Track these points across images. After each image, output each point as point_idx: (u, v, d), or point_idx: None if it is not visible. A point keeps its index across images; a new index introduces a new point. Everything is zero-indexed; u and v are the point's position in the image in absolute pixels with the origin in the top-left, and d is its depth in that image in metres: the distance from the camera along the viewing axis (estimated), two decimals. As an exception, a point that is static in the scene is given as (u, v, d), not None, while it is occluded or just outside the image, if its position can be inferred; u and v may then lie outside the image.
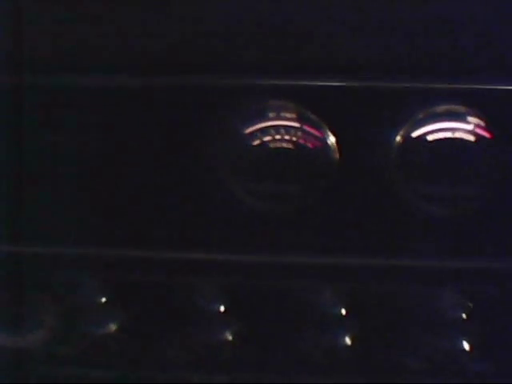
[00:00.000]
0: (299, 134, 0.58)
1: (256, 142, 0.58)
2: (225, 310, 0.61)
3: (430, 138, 0.57)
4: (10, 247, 0.63)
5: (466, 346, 0.60)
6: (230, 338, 0.62)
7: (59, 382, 0.64)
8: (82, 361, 0.63)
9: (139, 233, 0.63)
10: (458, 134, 0.57)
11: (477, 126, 0.57)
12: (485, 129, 0.57)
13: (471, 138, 0.57)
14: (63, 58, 0.60)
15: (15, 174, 0.62)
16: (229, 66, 0.59)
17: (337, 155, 0.58)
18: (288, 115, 0.58)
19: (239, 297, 0.62)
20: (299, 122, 0.58)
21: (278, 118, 0.58)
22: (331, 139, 0.58)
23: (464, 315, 0.58)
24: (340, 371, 0.63)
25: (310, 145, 0.58)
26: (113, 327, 0.62)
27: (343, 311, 0.61)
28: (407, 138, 0.58)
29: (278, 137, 0.58)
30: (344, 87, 0.58)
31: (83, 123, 0.61)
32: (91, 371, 0.63)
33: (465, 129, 0.57)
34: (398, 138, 0.58)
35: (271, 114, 0.58)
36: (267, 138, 0.58)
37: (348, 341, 0.62)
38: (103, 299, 0.62)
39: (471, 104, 0.57)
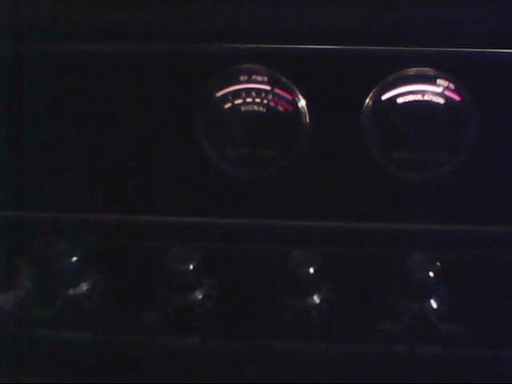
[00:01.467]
0: (270, 97, 0.58)
1: (228, 105, 0.59)
2: (199, 273, 0.62)
3: (399, 100, 0.58)
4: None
5: (436, 307, 0.61)
6: (203, 300, 0.63)
7: (37, 344, 0.65)
8: (58, 323, 0.63)
9: (116, 197, 0.64)
10: (427, 97, 0.57)
11: (446, 88, 0.57)
12: (454, 91, 0.57)
13: (441, 100, 0.57)
14: (63, 25, 0.61)
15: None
16: (201, 30, 0.60)
17: (307, 118, 0.59)
18: (259, 78, 0.59)
19: (213, 260, 0.63)
20: (270, 85, 0.59)
21: (250, 81, 0.59)
22: (302, 102, 0.59)
23: (433, 276, 0.59)
24: (312, 334, 0.64)
25: (280, 108, 0.59)
26: (88, 289, 0.63)
27: (316, 274, 0.62)
28: (377, 101, 0.58)
29: (249, 100, 0.58)
30: (315, 51, 0.58)
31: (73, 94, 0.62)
32: (67, 333, 0.64)
33: (434, 91, 0.57)
34: (368, 101, 0.58)
35: (243, 78, 0.59)
36: (239, 101, 0.58)
37: (320, 303, 0.63)
38: (81, 261, 0.62)
39: (441, 67, 0.58)
